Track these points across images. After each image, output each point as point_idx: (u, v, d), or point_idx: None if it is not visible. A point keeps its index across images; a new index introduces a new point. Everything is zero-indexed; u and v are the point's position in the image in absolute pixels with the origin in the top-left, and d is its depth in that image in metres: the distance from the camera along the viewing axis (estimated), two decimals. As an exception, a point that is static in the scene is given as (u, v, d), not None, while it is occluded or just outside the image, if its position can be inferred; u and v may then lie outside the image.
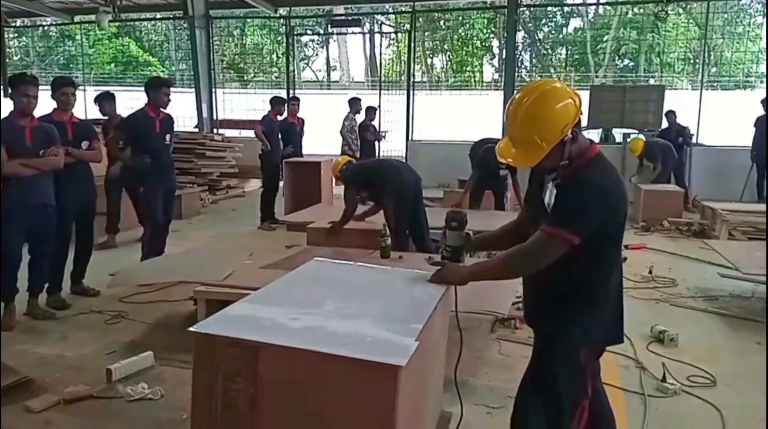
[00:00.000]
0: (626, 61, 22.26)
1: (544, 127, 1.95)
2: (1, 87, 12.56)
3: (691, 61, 19.22)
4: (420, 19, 15.34)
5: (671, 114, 10.24)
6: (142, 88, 5.57)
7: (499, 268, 2.14)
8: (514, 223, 2.43)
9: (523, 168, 2.65)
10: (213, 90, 14.29)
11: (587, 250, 1.99)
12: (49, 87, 4.84)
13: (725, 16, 13.87)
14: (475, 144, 10.36)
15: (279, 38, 18.84)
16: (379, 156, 11.13)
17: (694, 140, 10.93)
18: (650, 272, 5.88)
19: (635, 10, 17.63)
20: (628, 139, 11.35)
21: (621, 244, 2.10)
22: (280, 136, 8.57)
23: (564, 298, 2.08)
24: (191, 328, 1.80)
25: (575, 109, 1.99)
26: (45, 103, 4.64)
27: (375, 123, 10.80)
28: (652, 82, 18.13)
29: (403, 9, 14.94)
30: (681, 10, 17.11)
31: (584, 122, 11.53)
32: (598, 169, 2.01)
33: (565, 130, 1.95)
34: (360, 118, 10.20)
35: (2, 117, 4.37)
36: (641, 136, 9.78)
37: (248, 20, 19.58)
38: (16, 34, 22.19)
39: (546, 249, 1.98)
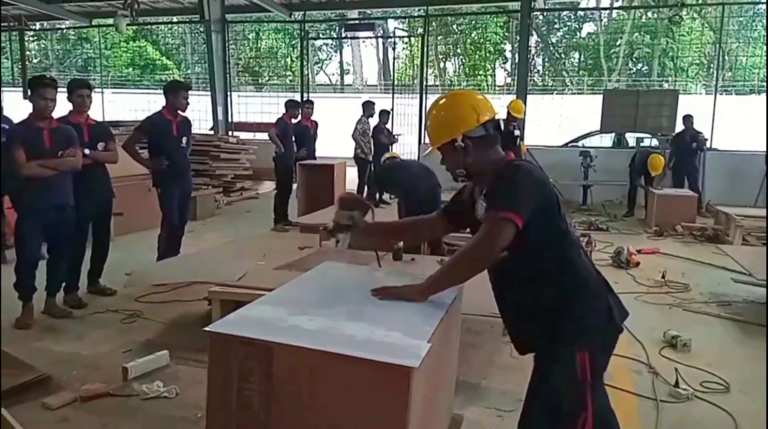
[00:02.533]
0: (640, 66, 22.15)
1: (435, 126, 2.19)
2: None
3: (706, 66, 19.10)
4: (433, 23, 15.38)
5: (688, 119, 10.19)
6: (159, 91, 5.63)
7: (456, 267, 2.10)
8: (420, 219, 2.51)
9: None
10: (228, 93, 14.40)
11: (536, 255, 2.04)
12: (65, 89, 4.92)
13: (740, 20, 13.78)
14: None
15: (293, 42, 19.01)
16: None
17: (708, 145, 10.87)
18: (663, 277, 5.86)
19: (649, 14, 17.57)
20: (641, 144, 11.30)
21: (570, 241, 2.11)
22: (294, 139, 8.63)
23: (541, 313, 2.09)
24: (206, 328, 1.82)
25: (472, 123, 2.11)
26: (62, 106, 4.71)
27: (388, 126, 10.84)
28: (665, 86, 18.03)
29: (417, 13, 14.99)
30: (695, 15, 17.01)
31: (597, 126, 11.58)
32: (516, 168, 2.07)
33: (450, 136, 2.11)
34: (373, 121, 10.25)
35: (21, 119, 4.45)
36: (657, 152, 9.70)
37: (263, 24, 19.73)
38: (35, 37, 22.51)
39: (496, 233, 1.96)
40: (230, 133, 13.83)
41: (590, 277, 2.11)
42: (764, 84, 15.01)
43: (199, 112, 13.19)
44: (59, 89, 4.46)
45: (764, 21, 15.53)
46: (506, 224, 1.95)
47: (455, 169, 2.15)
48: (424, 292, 2.09)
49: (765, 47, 12.92)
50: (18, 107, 12.36)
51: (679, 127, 10.39)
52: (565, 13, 20.51)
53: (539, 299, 2.08)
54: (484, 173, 2.11)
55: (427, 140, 12.56)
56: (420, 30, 14.64)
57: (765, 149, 9.72)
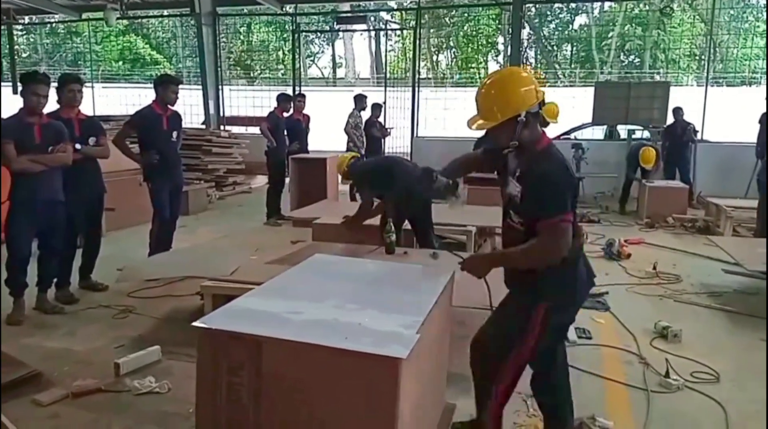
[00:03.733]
0: (631, 58, 22.20)
1: (502, 100, 2.30)
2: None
3: (697, 58, 19.14)
4: (425, 15, 15.34)
5: (678, 111, 10.22)
6: (150, 85, 5.60)
7: (525, 258, 2.33)
8: (471, 155, 2.87)
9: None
10: (220, 87, 14.33)
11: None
12: (56, 84, 4.88)
13: (731, 12, 13.80)
14: (478, 140, 10.36)
15: (285, 35, 18.87)
16: (384, 152, 11.14)
17: (699, 137, 10.89)
18: (654, 268, 5.89)
19: (641, 6, 17.55)
20: (633, 136, 11.32)
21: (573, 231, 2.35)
22: (285, 133, 8.60)
23: (531, 278, 2.37)
24: (195, 323, 1.82)
25: (534, 99, 2.31)
26: (52, 100, 4.67)
27: (380, 119, 10.81)
28: (657, 78, 18.06)
29: (409, 6, 14.94)
30: (686, 6, 17.04)
31: (589, 118, 11.58)
32: (552, 160, 2.34)
33: (518, 110, 2.27)
34: (365, 114, 10.22)
35: (13, 113, 4.42)
36: (650, 144, 9.67)
37: (255, 17, 19.61)
38: (24, 31, 22.32)
39: (560, 239, 2.24)
40: (222, 127, 13.76)
41: (576, 265, 2.40)
42: (756, 75, 15.07)
43: (190, 107, 13.12)
44: (51, 84, 4.43)
45: (755, 12, 15.58)
46: (566, 227, 2.25)
47: (509, 142, 2.33)
48: (491, 264, 2.42)
49: (765, 41, 12.95)
50: (7, 102, 12.29)
51: (670, 119, 10.41)
52: (557, 5, 20.50)
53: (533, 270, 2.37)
54: (530, 146, 2.34)
55: (420, 133, 12.63)
56: (412, 23, 14.58)
57: (755, 141, 9.77)
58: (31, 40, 24.29)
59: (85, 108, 5.17)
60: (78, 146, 4.72)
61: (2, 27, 16.26)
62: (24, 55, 23.07)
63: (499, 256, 2.50)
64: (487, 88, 2.36)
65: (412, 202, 5.15)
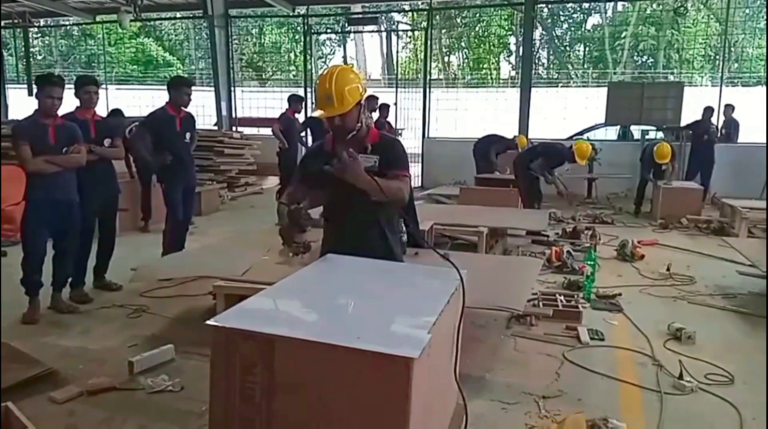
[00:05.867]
0: (645, 58, 22.03)
1: (351, 87, 2.68)
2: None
3: (711, 58, 18.97)
4: (437, 16, 15.32)
5: (708, 110, 10.12)
6: (163, 87, 5.63)
7: (390, 191, 2.63)
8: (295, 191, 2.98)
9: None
10: (232, 88, 14.40)
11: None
12: (72, 86, 4.93)
13: (747, 11, 13.66)
14: (478, 141, 10.29)
15: (297, 37, 18.92)
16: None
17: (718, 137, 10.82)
18: (668, 270, 5.84)
19: (654, 6, 17.44)
20: (646, 136, 11.24)
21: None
22: (309, 132, 8.62)
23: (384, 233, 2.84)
24: (209, 322, 1.83)
25: (364, 90, 2.76)
26: (68, 102, 4.72)
27: (389, 120, 10.81)
28: (671, 78, 17.92)
29: (420, 6, 14.94)
30: (701, 6, 16.90)
31: (602, 119, 11.52)
32: (392, 137, 3.04)
33: (362, 95, 2.72)
34: (375, 115, 10.23)
35: (28, 115, 4.48)
36: (665, 141, 9.59)
37: (267, 19, 19.67)
38: (39, 34, 22.55)
39: (408, 184, 2.83)
40: (234, 128, 13.82)
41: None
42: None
43: (203, 108, 13.18)
44: (66, 86, 4.48)
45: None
46: (410, 179, 2.86)
47: (355, 126, 2.73)
48: (366, 182, 2.57)
49: (765, 41, 12.82)
50: (23, 104, 12.43)
51: (693, 118, 10.33)
52: (569, 5, 20.37)
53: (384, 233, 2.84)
54: (368, 128, 2.81)
55: (432, 134, 12.60)
56: (424, 23, 14.58)
57: (766, 141, 9.66)
58: (46, 42, 24.52)
59: (100, 109, 5.22)
60: (93, 147, 4.76)
61: (18, 30, 16.46)
62: (39, 57, 23.31)
63: (380, 184, 2.59)
64: (336, 81, 2.66)
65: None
